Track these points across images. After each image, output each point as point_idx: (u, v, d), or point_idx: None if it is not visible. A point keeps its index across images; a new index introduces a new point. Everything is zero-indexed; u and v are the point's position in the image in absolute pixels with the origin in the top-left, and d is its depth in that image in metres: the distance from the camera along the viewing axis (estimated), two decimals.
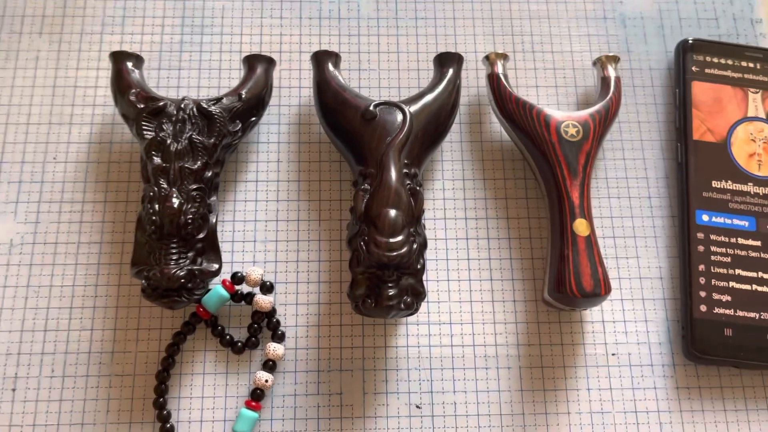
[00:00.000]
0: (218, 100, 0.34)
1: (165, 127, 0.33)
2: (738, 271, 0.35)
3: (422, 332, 0.35)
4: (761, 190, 0.37)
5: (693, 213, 0.36)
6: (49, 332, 0.34)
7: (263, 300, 0.34)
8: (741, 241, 0.36)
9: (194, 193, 0.32)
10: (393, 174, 0.32)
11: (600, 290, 0.32)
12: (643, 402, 0.34)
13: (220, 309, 0.35)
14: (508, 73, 0.40)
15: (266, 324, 0.34)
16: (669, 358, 0.35)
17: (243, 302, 0.34)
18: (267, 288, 0.34)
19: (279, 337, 0.34)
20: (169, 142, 0.33)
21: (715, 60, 0.39)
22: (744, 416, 0.34)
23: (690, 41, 0.40)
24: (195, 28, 0.40)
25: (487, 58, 0.38)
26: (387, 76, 0.40)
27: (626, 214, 0.37)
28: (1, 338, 0.34)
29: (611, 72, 0.38)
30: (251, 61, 0.36)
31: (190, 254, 0.32)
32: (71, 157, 0.37)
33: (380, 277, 0.31)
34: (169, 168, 0.32)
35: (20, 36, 0.39)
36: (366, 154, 0.33)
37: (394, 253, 0.30)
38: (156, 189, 0.32)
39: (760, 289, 0.35)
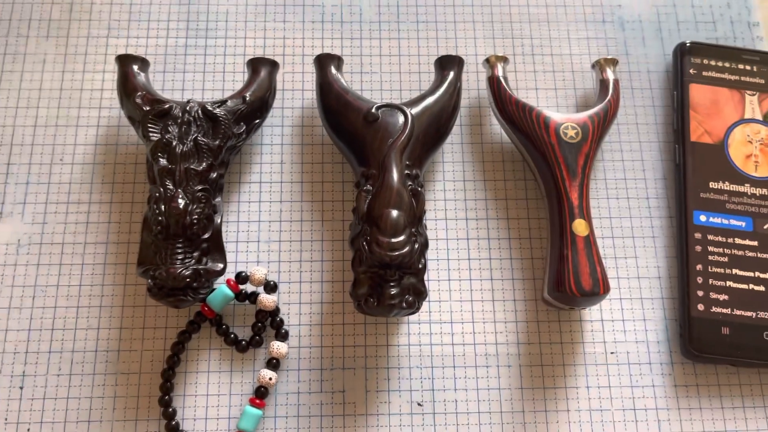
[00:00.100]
0: (223, 102, 0.35)
1: (170, 129, 0.34)
2: (735, 271, 0.35)
3: (423, 331, 0.35)
4: (758, 191, 0.37)
5: (691, 213, 0.36)
6: (56, 331, 0.34)
7: (267, 299, 0.34)
8: (738, 241, 0.36)
9: (199, 193, 0.33)
10: (395, 175, 0.33)
11: (599, 289, 0.32)
12: (642, 400, 0.34)
13: (225, 308, 0.35)
14: (508, 75, 0.40)
15: (270, 323, 0.35)
16: (667, 357, 0.35)
17: (247, 301, 0.35)
18: (271, 287, 0.35)
19: (282, 336, 0.34)
20: (174, 143, 0.33)
21: (713, 63, 0.40)
22: (741, 413, 0.34)
23: (688, 44, 0.40)
24: (200, 32, 0.41)
25: (487, 60, 0.38)
26: (389, 78, 0.40)
27: (625, 215, 0.38)
28: (8, 337, 0.34)
29: (610, 75, 0.39)
30: (255, 64, 0.37)
31: (195, 254, 0.32)
32: (77, 158, 0.38)
33: (382, 276, 0.31)
34: (174, 169, 0.33)
35: (27, 39, 0.40)
36: (368, 156, 0.34)
37: (396, 253, 0.31)
38: (162, 190, 0.32)
39: (756, 288, 0.35)
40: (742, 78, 0.40)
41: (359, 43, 0.41)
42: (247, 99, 0.35)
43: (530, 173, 0.38)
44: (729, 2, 0.43)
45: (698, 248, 0.36)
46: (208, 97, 0.39)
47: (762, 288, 0.35)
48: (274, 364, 0.34)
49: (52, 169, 0.37)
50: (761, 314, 0.35)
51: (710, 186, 0.37)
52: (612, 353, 0.35)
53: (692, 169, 0.37)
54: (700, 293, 0.35)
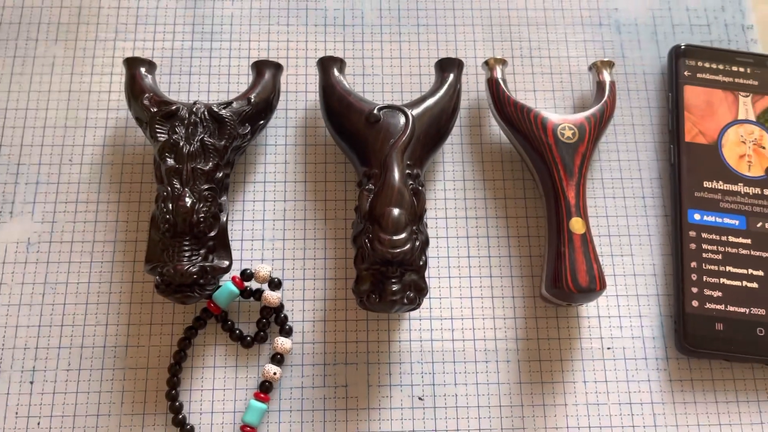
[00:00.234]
0: (228, 104, 0.35)
1: (177, 130, 0.34)
2: (729, 268, 0.36)
3: (424, 327, 0.36)
4: (751, 190, 0.38)
5: (685, 212, 0.37)
6: (66, 327, 0.35)
7: (271, 296, 0.35)
8: (732, 239, 0.37)
9: (206, 192, 0.33)
10: (396, 174, 0.33)
11: (595, 286, 0.33)
12: (638, 394, 0.35)
13: (230, 304, 0.36)
14: (507, 77, 0.41)
15: (274, 319, 0.35)
16: (662, 352, 0.36)
17: (252, 298, 0.35)
18: (275, 284, 0.35)
19: (287, 332, 0.35)
20: (181, 144, 0.34)
21: (707, 65, 0.41)
22: (735, 408, 0.35)
23: (682, 47, 0.41)
24: (205, 35, 0.41)
25: (486, 63, 0.39)
26: (390, 80, 0.41)
27: (621, 214, 0.39)
28: (19, 333, 0.35)
29: (606, 76, 0.39)
30: (259, 67, 0.38)
31: (201, 251, 0.33)
32: (86, 159, 0.38)
33: (384, 273, 0.31)
34: (181, 169, 0.33)
35: (36, 43, 0.41)
36: (370, 156, 0.34)
37: (398, 250, 0.31)
38: (169, 189, 0.33)
39: (749, 285, 0.36)
40: (736, 80, 0.40)
41: (361, 46, 0.42)
42: (252, 101, 0.36)
43: (528, 173, 0.39)
44: (723, 5, 0.44)
45: (693, 246, 0.36)
46: (213, 99, 0.40)
47: (755, 285, 0.36)
48: (278, 359, 0.34)
49: (61, 170, 0.38)
50: (754, 310, 0.35)
51: (704, 185, 0.38)
52: (608, 348, 0.36)
53: (687, 168, 0.38)
54: (695, 290, 0.36)
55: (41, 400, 0.34)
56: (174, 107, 0.35)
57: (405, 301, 0.31)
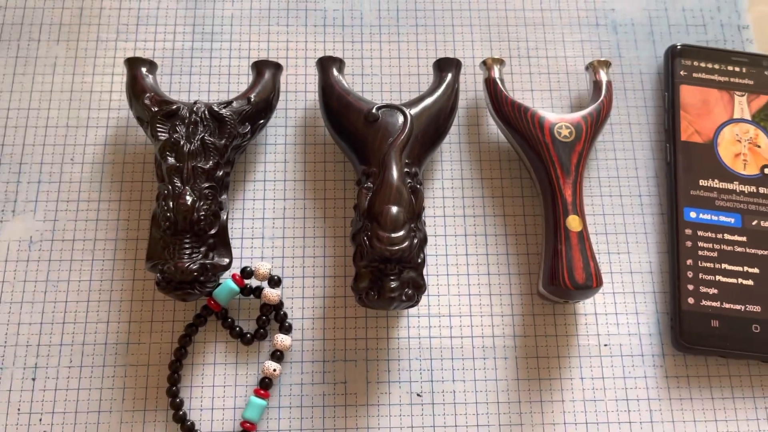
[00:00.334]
0: (229, 103, 0.36)
1: (178, 129, 0.35)
2: (724, 266, 0.36)
3: (423, 324, 0.36)
4: (746, 189, 0.38)
5: (681, 210, 0.37)
6: (67, 324, 0.35)
7: (271, 293, 0.35)
8: (727, 236, 0.37)
9: (206, 191, 0.34)
10: (394, 173, 0.33)
11: (592, 283, 0.33)
12: (634, 390, 0.35)
13: (230, 302, 0.36)
14: (505, 77, 0.41)
15: (274, 316, 0.35)
16: (659, 349, 0.36)
17: (252, 295, 0.36)
18: (275, 282, 0.36)
19: (286, 329, 0.35)
20: (182, 143, 0.34)
21: (703, 65, 0.41)
22: (731, 404, 0.35)
23: (678, 47, 0.41)
24: (205, 35, 0.42)
25: (484, 63, 0.39)
26: (389, 80, 0.41)
27: (617, 212, 0.39)
28: (21, 330, 0.35)
29: (603, 76, 0.40)
30: (259, 67, 0.38)
31: (202, 249, 0.33)
32: (87, 158, 0.39)
33: (383, 270, 0.32)
34: (182, 167, 0.34)
35: (38, 43, 0.41)
36: (369, 155, 0.35)
37: (396, 248, 0.31)
38: (170, 187, 0.33)
39: (745, 282, 0.36)
40: (732, 79, 0.41)
41: (360, 46, 0.42)
42: (252, 100, 0.36)
43: (526, 171, 0.39)
44: (719, 6, 0.44)
45: (689, 244, 0.37)
46: (213, 98, 0.40)
47: (750, 282, 0.36)
48: (278, 356, 0.34)
49: (63, 169, 0.38)
50: (749, 307, 0.36)
51: (700, 184, 0.38)
52: (605, 345, 0.36)
53: (683, 167, 0.38)
54: (691, 287, 0.36)
55: (43, 396, 0.34)
56: (175, 107, 0.35)
57: (403, 298, 0.32)
